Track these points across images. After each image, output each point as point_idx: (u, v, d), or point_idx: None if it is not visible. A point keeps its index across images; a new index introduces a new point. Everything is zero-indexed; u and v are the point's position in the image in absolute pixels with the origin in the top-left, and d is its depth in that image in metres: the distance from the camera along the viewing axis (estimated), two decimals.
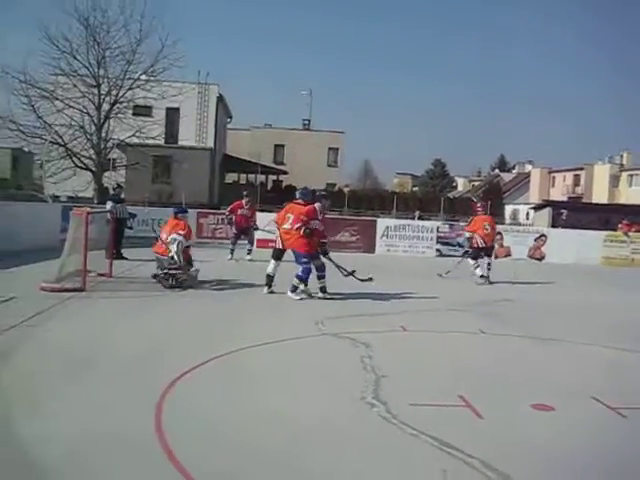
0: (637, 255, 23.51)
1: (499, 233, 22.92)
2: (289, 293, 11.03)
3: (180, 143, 38.77)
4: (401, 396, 5.60)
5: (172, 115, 38.17)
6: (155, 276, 11.70)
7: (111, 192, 17.04)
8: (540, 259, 22.70)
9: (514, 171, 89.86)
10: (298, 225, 11.01)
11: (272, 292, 11.36)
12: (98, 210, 15.29)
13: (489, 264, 14.83)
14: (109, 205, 16.25)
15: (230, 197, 42.39)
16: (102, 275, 12.26)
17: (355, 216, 30.81)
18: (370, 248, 22.24)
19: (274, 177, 54.54)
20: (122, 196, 17.99)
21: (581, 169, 72.03)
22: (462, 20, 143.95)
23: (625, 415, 5.43)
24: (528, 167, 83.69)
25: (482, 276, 14.52)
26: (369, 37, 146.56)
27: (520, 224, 42.85)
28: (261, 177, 51.35)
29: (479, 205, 16.40)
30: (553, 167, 77.72)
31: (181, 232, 11.66)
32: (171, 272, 11.52)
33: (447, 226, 23.79)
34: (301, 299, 10.91)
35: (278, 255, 11.58)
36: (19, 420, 4.73)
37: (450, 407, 5.40)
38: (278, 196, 42.49)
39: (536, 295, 13.35)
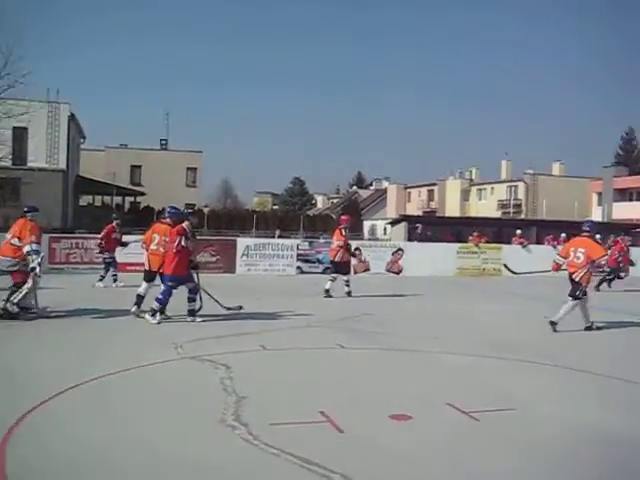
0: (487, 265, 24.71)
1: (357, 248, 23.44)
2: (147, 317, 10.69)
3: (29, 164, 37.01)
4: (262, 416, 5.53)
5: (20, 135, 36.39)
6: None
7: None
8: (398, 273, 23.33)
9: (371, 187, 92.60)
10: (176, 244, 10.61)
11: (142, 311, 10.97)
12: None
13: (347, 280, 15.05)
14: None
15: (86, 220, 41.05)
16: None
17: (215, 236, 30.54)
18: (230, 268, 22.00)
19: (131, 198, 53.22)
20: None
21: (434, 184, 75.25)
22: (318, 35, 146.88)
23: (478, 419, 5.65)
24: (385, 183, 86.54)
25: (327, 290, 14.80)
26: (225, 56, 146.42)
27: (378, 239, 44.07)
28: (117, 199, 49.95)
29: (344, 217, 16.83)
30: (408, 183, 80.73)
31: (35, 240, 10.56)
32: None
33: (307, 243, 23.98)
34: (159, 323, 10.60)
35: (150, 277, 11.28)
36: None
37: (311, 424, 5.40)
38: (136, 218, 41.45)
39: (394, 308, 13.68)
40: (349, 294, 14.86)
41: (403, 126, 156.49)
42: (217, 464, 4.57)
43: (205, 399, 6.17)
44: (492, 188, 69.52)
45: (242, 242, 23.38)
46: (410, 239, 26.52)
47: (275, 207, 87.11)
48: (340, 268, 15.32)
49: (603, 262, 11.53)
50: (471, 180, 73.66)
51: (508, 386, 7.06)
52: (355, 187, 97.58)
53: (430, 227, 27.29)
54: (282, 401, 6.14)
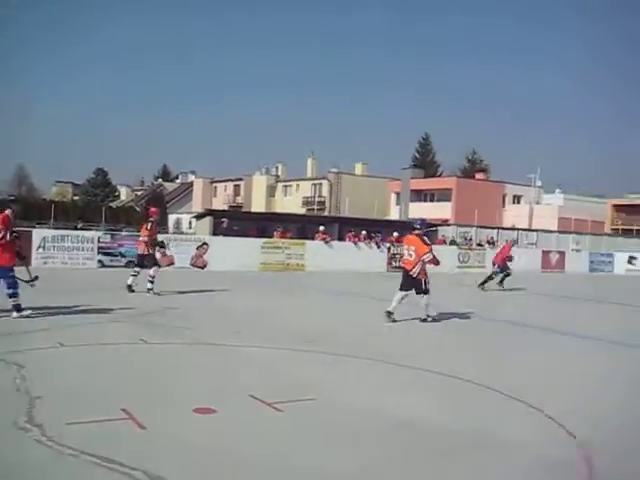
0: (291, 260, 25.28)
1: (162, 242, 22.98)
2: (15, 314, 10.09)
3: None
4: (58, 416, 5.27)
5: None
6: None
7: None
8: (203, 267, 23.19)
9: (177, 181, 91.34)
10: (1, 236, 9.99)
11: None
12: None
13: (152, 276, 14.59)
14: None
15: None
16: None
17: None
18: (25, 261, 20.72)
19: None
20: None
21: (241, 180, 75.63)
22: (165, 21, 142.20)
23: (281, 409, 5.78)
24: (191, 177, 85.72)
25: (129, 285, 14.47)
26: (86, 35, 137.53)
27: (183, 233, 43.50)
28: None
29: (153, 210, 16.54)
30: (215, 177, 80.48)
31: None
32: None
33: (109, 236, 23.19)
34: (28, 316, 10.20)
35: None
36: None
37: (112, 421, 5.22)
38: None
39: (198, 302, 13.60)
40: (150, 290, 14.48)
41: (210, 120, 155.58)
42: (8, 471, 4.29)
43: None
44: (297, 185, 71.12)
45: (38, 233, 22.11)
46: (215, 233, 26.46)
47: (76, 197, 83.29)
48: (145, 262, 14.96)
49: (426, 259, 11.82)
50: (277, 176, 74.87)
51: (309, 377, 7.28)
52: (161, 180, 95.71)
53: (236, 222, 27.36)
54: (81, 399, 5.88)
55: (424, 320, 11.98)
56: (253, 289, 16.26)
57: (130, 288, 14.41)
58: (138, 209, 59.81)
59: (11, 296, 10.27)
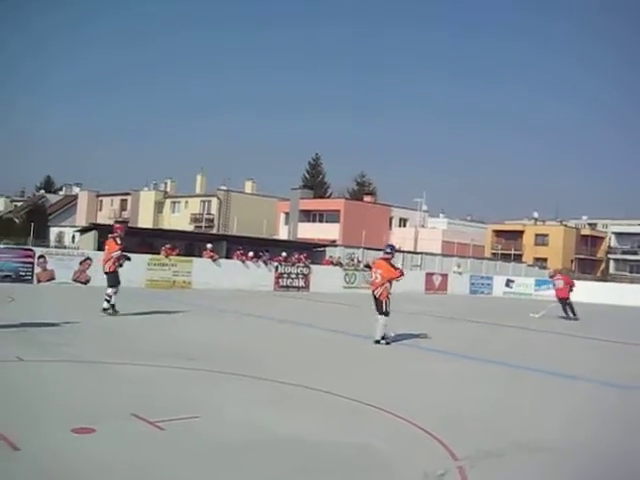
0: (177, 277, 24.97)
1: (42, 256, 22.20)
2: None
3: None
4: None
5: None
6: None
7: None
8: (85, 282, 22.52)
9: (61, 193, 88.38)
10: None
11: None
12: None
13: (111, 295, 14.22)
14: None
15: None
16: None
17: None
18: None
19: None
20: None
21: (128, 194, 74.06)
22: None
23: (163, 428, 5.71)
24: (76, 189, 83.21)
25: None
26: None
27: (66, 247, 42.12)
28: None
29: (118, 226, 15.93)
30: (101, 191, 78.49)
31: None
32: None
33: None
34: None
35: None
36: None
37: None
38: None
39: (79, 319, 13.15)
40: (111, 308, 14.11)
41: (98, 131, 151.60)
42: None
43: None
44: (186, 201, 70.31)
45: None
46: (100, 248, 25.77)
47: None
48: (111, 279, 14.45)
49: (396, 280, 12.82)
50: (166, 192, 73.80)
51: (192, 395, 7.20)
52: (43, 191, 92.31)
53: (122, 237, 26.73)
54: None
55: (377, 342, 12.32)
56: (136, 306, 15.87)
57: (114, 308, 14.06)
58: (18, 221, 57.37)
59: None
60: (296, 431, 5.98)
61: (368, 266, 15.60)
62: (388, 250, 13.26)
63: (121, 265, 14.63)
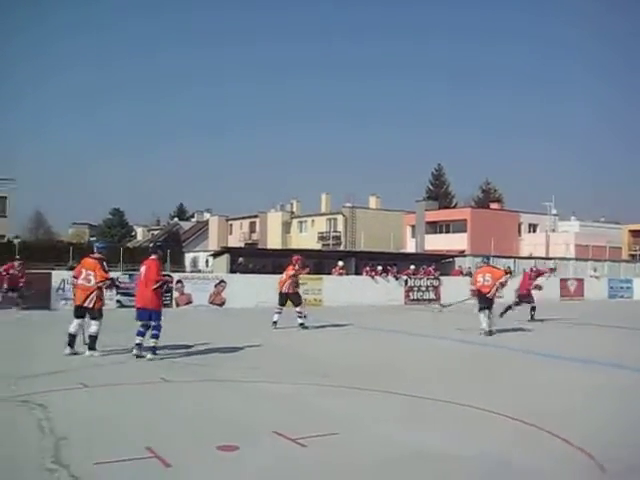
0: (308, 295, 25.23)
1: (179, 281, 23.15)
2: (150, 355, 10.66)
3: None
4: (85, 456, 5.31)
5: None
6: None
7: None
8: (221, 304, 23.28)
9: (193, 219, 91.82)
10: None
11: (75, 353, 10.55)
12: None
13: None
14: None
15: None
16: None
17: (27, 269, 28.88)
18: (45, 303, 20.92)
19: None
20: None
21: (256, 217, 76.00)
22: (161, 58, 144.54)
23: (305, 444, 5.77)
24: (207, 215, 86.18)
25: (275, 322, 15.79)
26: (34, 77, 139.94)
27: (200, 271, 43.68)
28: None
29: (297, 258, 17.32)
30: (230, 215, 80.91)
31: None
32: None
33: (127, 276, 23.32)
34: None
35: (79, 313, 10.85)
36: None
37: (138, 460, 5.25)
38: None
39: (216, 339, 13.56)
40: (302, 325, 15.90)
41: (225, 158, 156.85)
42: None
43: (20, 444, 5.79)
44: (312, 220, 71.39)
45: (57, 275, 22.31)
46: (233, 271, 26.58)
47: (92, 239, 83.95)
48: (293, 298, 16.49)
49: (503, 281, 15.69)
50: (292, 213, 75.22)
51: (330, 411, 7.27)
52: (176, 219, 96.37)
53: (252, 259, 27.50)
54: (106, 439, 5.92)
55: (490, 333, 15.12)
56: (269, 325, 16.20)
57: (275, 325, 15.95)
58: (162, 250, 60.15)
59: (155, 337, 10.83)
60: (434, 445, 5.89)
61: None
62: (485, 260, 17.48)
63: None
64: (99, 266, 11.11)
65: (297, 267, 16.78)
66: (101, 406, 7.42)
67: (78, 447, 5.63)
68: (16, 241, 44.44)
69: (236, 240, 74.09)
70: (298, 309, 16.29)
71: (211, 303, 23.31)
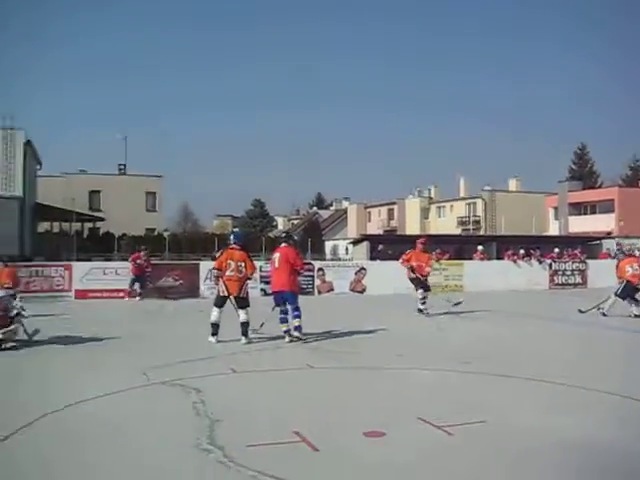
0: (449, 281, 24.99)
1: (321, 269, 23.55)
2: (297, 333, 11.32)
3: None
4: (237, 438, 5.55)
5: None
6: None
7: None
8: (362, 292, 23.46)
9: (332, 208, 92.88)
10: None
11: (219, 341, 11.09)
12: None
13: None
14: None
15: (44, 248, 40.36)
16: None
17: (176, 260, 30.37)
18: (194, 292, 21.91)
19: (90, 224, 52.64)
20: None
21: (394, 203, 75.84)
22: (268, 54, 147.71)
23: (451, 432, 5.73)
24: (345, 203, 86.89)
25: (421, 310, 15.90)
26: (181, 77, 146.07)
27: (340, 259, 44.17)
28: (76, 225, 49.36)
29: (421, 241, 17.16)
30: (368, 203, 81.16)
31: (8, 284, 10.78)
32: None
33: (269, 265, 23.93)
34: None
35: (222, 302, 11.37)
36: None
37: (286, 444, 5.43)
38: (95, 244, 40.99)
39: (359, 327, 13.70)
40: (422, 311, 15.83)
41: (361, 146, 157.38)
42: None
43: (178, 424, 6.16)
44: (451, 205, 70.34)
45: (205, 265, 23.28)
46: (372, 258, 26.69)
47: (235, 229, 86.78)
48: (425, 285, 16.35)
49: None
50: (430, 198, 74.45)
51: (476, 398, 7.17)
52: (315, 208, 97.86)
53: (391, 245, 27.47)
54: (256, 423, 6.16)
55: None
56: (411, 311, 16.15)
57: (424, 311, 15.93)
58: (296, 238, 61.42)
59: (299, 317, 11.46)
60: (582, 434, 5.69)
61: None
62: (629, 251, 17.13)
63: None
64: (248, 257, 11.58)
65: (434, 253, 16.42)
66: (250, 391, 7.72)
67: (231, 429, 5.89)
68: (166, 234, 46.80)
69: (375, 227, 74.30)
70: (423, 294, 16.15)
71: (352, 290, 23.53)
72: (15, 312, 10.85)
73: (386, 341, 11.75)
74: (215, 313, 11.31)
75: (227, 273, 11.39)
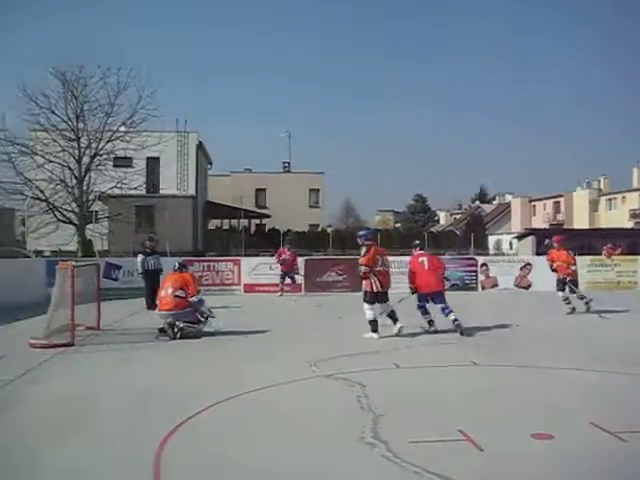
0: (622, 278, 23.65)
1: (484, 264, 23.08)
2: (457, 322, 11.55)
3: (161, 192, 38.78)
4: (401, 434, 5.58)
5: (152, 165, 38.25)
6: (162, 330, 11.51)
7: (146, 244, 16.63)
8: (527, 287, 22.75)
9: (494, 202, 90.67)
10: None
11: (380, 336, 11.33)
12: (83, 263, 15.13)
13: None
14: (139, 258, 16.47)
15: (214, 244, 42.41)
16: (90, 328, 12.19)
17: (340, 255, 30.84)
18: (358, 286, 22.15)
19: (257, 221, 54.72)
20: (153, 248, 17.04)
21: (561, 196, 72.83)
22: (432, 49, 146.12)
23: (626, 439, 5.43)
24: (508, 197, 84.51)
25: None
26: (345, 74, 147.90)
27: (504, 254, 43.08)
28: (244, 222, 51.47)
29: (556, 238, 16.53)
30: (533, 196, 78.48)
31: (185, 288, 11.60)
32: (182, 325, 11.40)
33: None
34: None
35: (377, 299, 11.56)
36: None
37: (450, 442, 5.38)
38: (262, 240, 42.50)
39: (524, 324, 13.30)
40: (587, 306, 15.15)
41: (524, 138, 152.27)
42: None
43: (342, 417, 6.29)
44: (623, 197, 66.40)
45: None
46: (538, 253, 25.82)
47: (397, 225, 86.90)
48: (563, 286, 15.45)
49: None
50: (600, 190, 70.77)
51: None
52: (478, 202, 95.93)
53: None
54: (419, 419, 6.16)
55: None
56: (579, 309, 15.43)
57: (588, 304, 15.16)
58: (458, 232, 60.54)
59: (451, 312, 11.74)
60: None
61: None
62: None
63: None
64: (386, 252, 12.12)
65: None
66: (413, 386, 7.72)
67: (393, 424, 5.93)
68: (329, 230, 47.65)
69: (540, 221, 71.64)
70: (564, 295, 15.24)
71: (517, 286, 22.88)
72: (205, 316, 11.71)
73: (545, 339, 11.25)
74: (372, 311, 11.41)
75: (377, 268, 11.54)
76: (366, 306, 11.46)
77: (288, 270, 20.91)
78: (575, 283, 15.45)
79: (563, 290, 15.24)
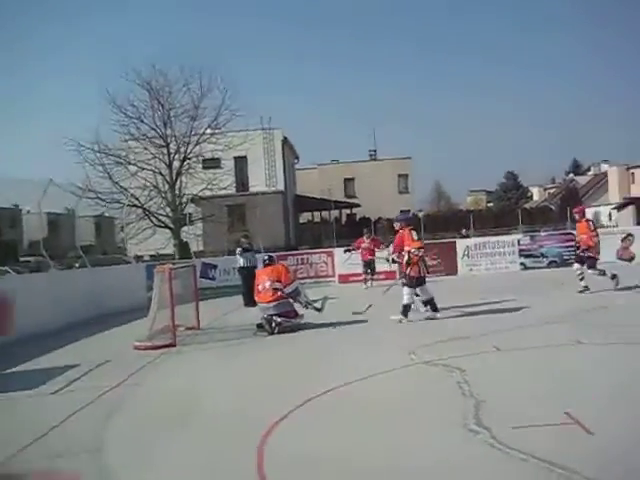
0: None
1: (630, 235, 22.18)
2: None
3: (251, 190, 39.37)
4: (504, 419, 5.42)
5: (240, 163, 38.94)
6: (260, 325, 11.70)
7: (242, 241, 17.04)
8: (630, 260, 21.85)
9: (589, 173, 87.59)
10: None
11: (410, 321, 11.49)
12: (181, 265, 15.51)
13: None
14: (238, 251, 16.89)
15: (306, 237, 42.80)
16: (190, 328, 12.48)
17: (433, 239, 30.51)
18: (452, 270, 21.94)
19: (347, 211, 54.81)
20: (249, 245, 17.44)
21: None
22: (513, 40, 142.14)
23: None
24: (604, 167, 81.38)
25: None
26: (425, 58, 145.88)
27: (604, 226, 41.60)
28: (334, 212, 51.67)
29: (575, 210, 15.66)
30: (631, 163, 75.22)
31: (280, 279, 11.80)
32: (280, 319, 11.55)
33: (528, 238, 23.23)
34: None
35: (420, 282, 11.61)
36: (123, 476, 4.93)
37: (557, 426, 5.18)
38: (353, 229, 42.52)
39: (627, 299, 12.76)
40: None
41: (615, 100, 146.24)
42: (463, 469, 4.57)
43: (444, 404, 6.19)
44: None
45: (462, 243, 23.23)
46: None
47: (490, 204, 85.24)
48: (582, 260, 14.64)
49: None
50: None
51: None
52: (572, 174, 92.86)
53: None
54: (522, 403, 5.96)
55: None
56: None
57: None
58: (553, 207, 58.92)
59: None
60: None
61: None
62: None
63: None
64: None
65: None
66: (515, 369, 7.51)
67: (496, 410, 5.78)
68: (420, 214, 47.22)
69: None
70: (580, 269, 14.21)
71: (619, 259, 22.00)
72: (304, 304, 12.06)
73: None
74: (410, 295, 11.45)
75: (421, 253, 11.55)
76: (408, 290, 11.44)
77: (369, 260, 20.21)
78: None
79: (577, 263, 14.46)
